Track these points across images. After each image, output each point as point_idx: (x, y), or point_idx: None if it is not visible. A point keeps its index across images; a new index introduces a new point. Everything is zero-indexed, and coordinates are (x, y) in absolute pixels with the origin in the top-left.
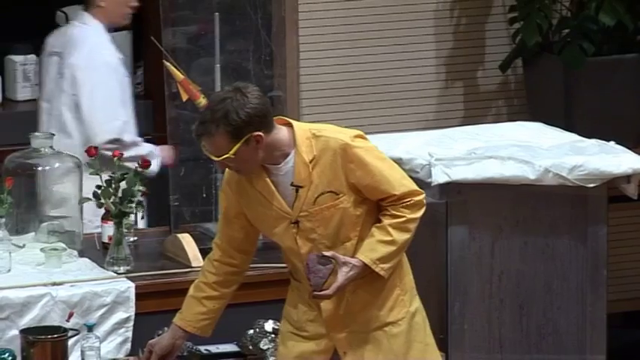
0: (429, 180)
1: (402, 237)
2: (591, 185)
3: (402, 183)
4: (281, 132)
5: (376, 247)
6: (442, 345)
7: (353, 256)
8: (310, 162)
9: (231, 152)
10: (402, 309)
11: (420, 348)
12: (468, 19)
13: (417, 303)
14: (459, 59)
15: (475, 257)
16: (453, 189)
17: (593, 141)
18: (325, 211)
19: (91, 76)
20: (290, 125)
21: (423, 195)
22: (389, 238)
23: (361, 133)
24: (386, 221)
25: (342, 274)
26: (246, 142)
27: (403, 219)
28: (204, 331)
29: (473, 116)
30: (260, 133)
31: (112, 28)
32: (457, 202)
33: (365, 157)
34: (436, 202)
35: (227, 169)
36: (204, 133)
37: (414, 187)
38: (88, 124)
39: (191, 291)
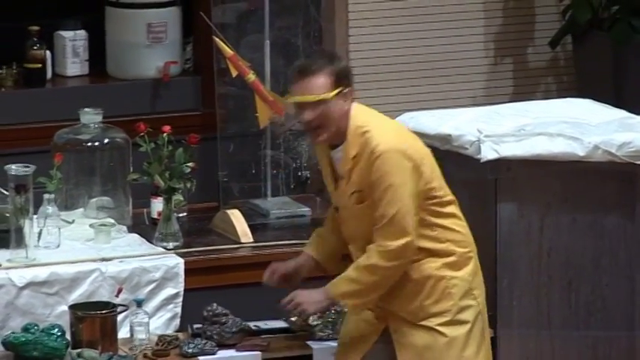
0: (478, 156)
1: (368, 278)
2: None
3: (393, 219)
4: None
5: (343, 281)
6: (491, 321)
7: None
8: (353, 158)
9: (332, 94)
10: (449, 302)
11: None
12: None
13: (469, 301)
14: (508, 35)
15: (524, 233)
16: (503, 165)
17: None
18: (356, 209)
19: None
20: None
21: (407, 242)
22: (354, 276)
23: (405, 149)
24: (361, 259)
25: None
26: (341, 94)
27: (374, 264)
28: (327, 262)
29: (522, 93)
30: (352, 90)
31: None
32: (506, 178)
33: (387, 169)
34: (485, 178)
35: (307, 124)
36: (310, 66)
37: (404, 231)
38: None
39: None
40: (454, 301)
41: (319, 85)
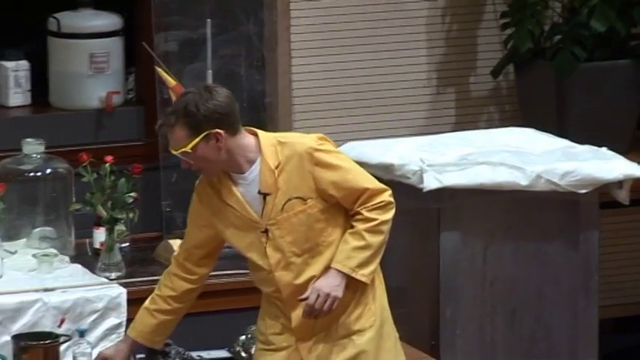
0: (421, 186)
1: (376, 239)
2: (583, 191)
3: (369, 180)
4: (247, 139)
5: (352, 254)
6: (434, 351)
7: (328, 266)
8: (276, 168)
9: (189, 146)
10: (370, 318)
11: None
12: (459, 24)
13: (386, 313)
14: (450, 65)
15: (467, 263)
16: (445, 195)
17: (585, 147)
18: (293, 217)
19: None
20: (256, 135)
21: (390, 192)
22: (363, 243)
23: (323, 135)
24: (359, 226)
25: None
26: (206, 138)
27: (376, 222)
28: (155, 343)
29: (465, 122)
30: (220, 131)
31: None
32: (449, 207)
33: (330, 159)
34: (428, 207)
35: (196, 171)
36: (165, 124)
37: (381, 185)
38: None
39: (146, 303)
40: (374, 317)
41: (176, 140)
